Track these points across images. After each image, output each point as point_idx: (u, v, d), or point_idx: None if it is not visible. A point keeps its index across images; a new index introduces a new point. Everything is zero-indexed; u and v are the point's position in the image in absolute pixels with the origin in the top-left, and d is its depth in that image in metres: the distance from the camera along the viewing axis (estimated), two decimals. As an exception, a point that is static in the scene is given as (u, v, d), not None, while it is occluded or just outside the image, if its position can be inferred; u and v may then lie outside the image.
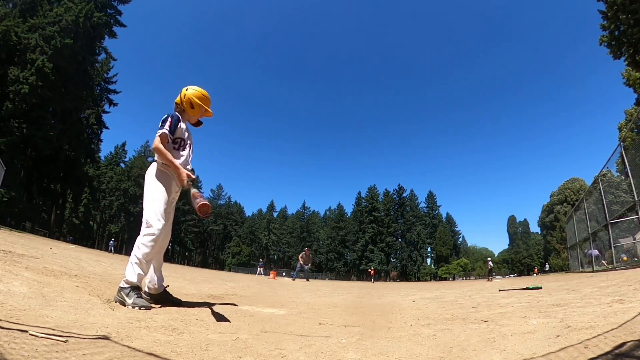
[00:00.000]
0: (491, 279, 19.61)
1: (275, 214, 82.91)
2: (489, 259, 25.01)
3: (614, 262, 10.70)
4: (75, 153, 32.21)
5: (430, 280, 60.05)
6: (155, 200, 2.40)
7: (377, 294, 6.61)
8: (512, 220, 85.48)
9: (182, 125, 2.61)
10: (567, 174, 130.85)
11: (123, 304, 2.15)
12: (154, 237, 2.30)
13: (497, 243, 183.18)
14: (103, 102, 38.36)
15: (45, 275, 2.61)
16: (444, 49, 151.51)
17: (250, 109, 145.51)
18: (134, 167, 59.10)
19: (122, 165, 61.13)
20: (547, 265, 52.96)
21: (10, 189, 22.67)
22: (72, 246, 14.66)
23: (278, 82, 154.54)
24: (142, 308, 2.11)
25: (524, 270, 69.96)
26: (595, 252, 12.80)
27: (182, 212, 61.45)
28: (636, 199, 8.53)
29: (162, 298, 2.53)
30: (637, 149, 10.19)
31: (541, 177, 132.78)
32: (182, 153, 2.61)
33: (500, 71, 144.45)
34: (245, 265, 64.54)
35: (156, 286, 2.52)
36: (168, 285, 2.72)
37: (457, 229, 79.26)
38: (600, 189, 11.31)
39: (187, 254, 70.88)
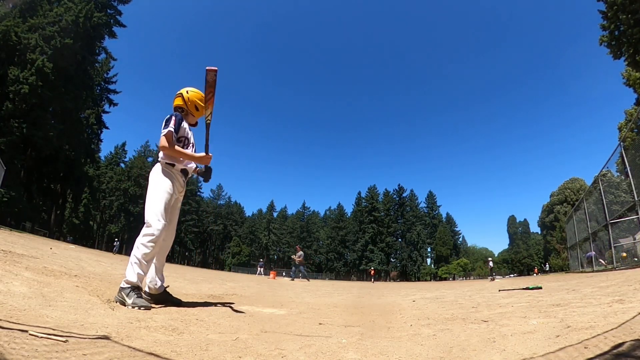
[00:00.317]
0: (492, 279, 19.64)
1: (275, 214, 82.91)
2: (489, 259, 25.08)
3: (614, 262, 10.70)
4: (75, 153, 32.21)
5: (430, 280, 60.04)
6: (156, 201, 2.41)
7: (377, 294, 6.61)
8: (512, 220, 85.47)
9: (185, 124, 2.65)
10: (567, 174, 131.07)
11: (123, 304, 2.15)
12: (153, 237, 2.31)
13: (497, 243, 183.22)
14: (103, 102, 38.37)
15: (45, 275, 2.61)
16: (444, 49, 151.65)
17: (250, 109, 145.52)
18: (134, 167, 59.09)
19: (122, 165, 61.11)
20: (547, 265, 52.95)
21: (10, 189, 22.66)
22: (72, 246, 14.66)
23: (278, 82, 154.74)
24: (142, 308, 2.11)
25: (524, 270, 69.95)
26: (593, 253, 12.83)
27: (182, 213, 61.34)
28: (636, 199, 8.53)
29: (163, 298, 2.54)
30: (637, 149, 10.19)
31: (541, 177, 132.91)
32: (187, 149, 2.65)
33: (500, 71, 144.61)
34: (245, 265, 64.54)
35: (157, 286, 2.53)
36: (168, 286, 2.72)
37: (457, 229, 79.33)
38: (600, 189, 11.31)
39: (187, 254, 70.87)
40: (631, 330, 1.40)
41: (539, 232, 72.74)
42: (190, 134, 2.72)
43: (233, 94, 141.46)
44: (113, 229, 56.52)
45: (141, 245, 2.29)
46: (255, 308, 3.00)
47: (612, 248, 10.89)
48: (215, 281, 7.12)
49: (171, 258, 64.91)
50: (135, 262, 2.26)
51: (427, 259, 71.82)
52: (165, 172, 2.52)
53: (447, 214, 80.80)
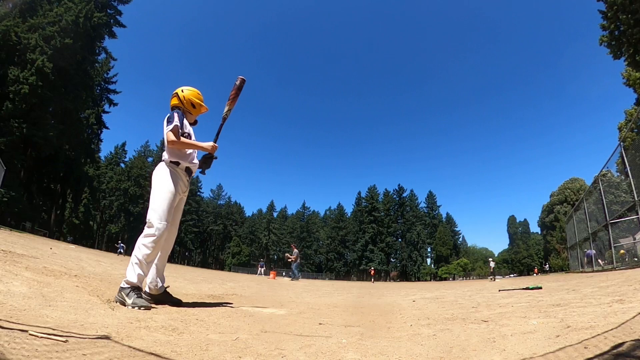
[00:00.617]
0: (493, 279, 19.62)
1: (275, 214, 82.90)
2: (490, 259, 25.18)
3: (614, 262, 10.71)
4: (75, 153, 32.23)
5: (430, 280, 60.04)
6: (160, 201, 2.41)
7: (377, 294, 6.61)
8: (512, 220, 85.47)
9: (185, 122, 2.67)
10: (567, 174, 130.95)
11: (123, 304, 2.15)
12: (154, 238, 2.31)
13: (497, 243, 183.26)
14: (103, 102, 38.39)
15: (45, 275, 2.61)
16: (444, 49, 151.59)
17: (250, 109, 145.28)
18: (134, 167, 59.07)
19: (122, 165, 61.07)
20: (547, 265, 52.94)
21: (10, 189, 22.67)
22: (72, 246, 14.66)
23: (278, 82, 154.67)
24: (142, 308, 2.11)
25: (524, 270, 69.96)
26: (593, 252, 12.83)
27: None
28: (636, 199, 8.53)
29: (163, 298, 2.54)
30: (637, 149, 10.20)
31: (541, 177, 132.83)
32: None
33: (500, 70, 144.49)
34: (245, 265, 64.54)
35: (157, 286, 2.53)
36: (168, 286, 2.72)
37: (457, 229, 79.32)
38: (600, 189, 11.31)
39: (187, 254, 70.87)
40: (631, 330, 1.40)
41: (539, 232, 72.77)
42: (191, 131, 2.74)
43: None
44: (113, 229, 56.51)
45: (142, 245, 2.29)
46: (255, 308, 3.00)
47: (612, 248, 10.89)
48: (215, 281, 7.12)
49: (171, 258, 64.71)
50: (135, 263, 2.26)
51: (427, 259, 71.83)
52: (170, 172, 2.51)
53: (447, 214, 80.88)
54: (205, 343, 1.45)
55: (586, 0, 25.57)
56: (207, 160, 2.67)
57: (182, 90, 2.72)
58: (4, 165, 16.37)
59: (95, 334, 1.34)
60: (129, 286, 2.21)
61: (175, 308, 2.40)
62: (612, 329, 1.44)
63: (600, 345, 1.23)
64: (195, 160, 2.72)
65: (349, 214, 76.81)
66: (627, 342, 1.22)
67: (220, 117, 2.76)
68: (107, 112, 39.21)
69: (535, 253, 72.73)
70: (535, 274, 37.57)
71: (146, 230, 2.33)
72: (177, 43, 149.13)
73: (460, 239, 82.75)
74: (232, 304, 3.11)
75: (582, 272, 13.03)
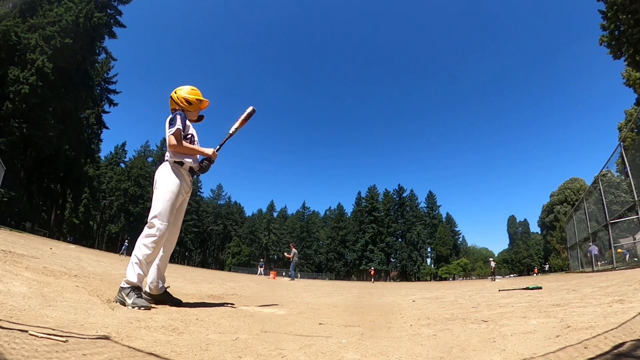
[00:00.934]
0: (493, 279, 19.59)
1: (275, 214, 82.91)
2: (491, 259, 25.19)
3: (614, 262, 10.70)
4: (75, 153, 32.22)
5: (430, 280, 60.04)
6: (163, 202, 2.40)
7: (377, 294, 6.61)
8: (512, 220, 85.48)
9: (188, 122, 2.67)
10: (567, 174, 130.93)
11: (123, 304, 2.15)
12: (155, 238, 2.30)
13: (497, 243, 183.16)
14: (103, 102, 38.39)
15: (45, 275, 2.61)
16: (443, 49, 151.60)
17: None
18: (134, 167, 59.07)
19: (122, 165, 61.09)
20: (547, 265, 52.94)
21: (10, 189, 22.66)
22: (72, 246, 14.67)
23: (278, 82, 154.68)
24: (142, 308, 2.11)
25: (524, 270, 69.96)
26: (596, 248, 12.76)
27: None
28: (636, 199, 8.53)
29: (163, 298, 2.54)
30: (637, 149, 10.20)
31: (541, 177, 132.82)
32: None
33: (500, 71, 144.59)
34: (245, 265, 64.54)
35: (158, 286, 2.53)
36: (169, 286, 2.72)
37: (457, 229, 79.36)
38: (600, 189, 11.31)
39: (187, 254, 70.87)
40: (631, 330, 1.40)
41: (539, 232, 72.76)
42: (194, 132, 2.73)
43: (233, 94, 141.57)
44: (113, 229, 56.50)
45: (143, 245, 2.29)
46: (255, 308, 3.00)
47: (612, 248, 10.89)
48: (215, 281, 7.12)
49: (171, 258, 63.29)
50: (136, 262, 2.26)
51: (427, 259, 71.83)
52: (174, 172, 2.50)
53: (447, 214, 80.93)
54: (205, 343, 1.45)
55: (586, 0, 25.57)
56: (205, 164, 2.68)
57: (174, 92, 2.71)
58: (4, 165, 16.37)
59: (95, 334, 1.34)
60: (129, 286, 2.21)
61: (175, 308, 2.40)
62: (612, 329, 1.44)
63: (600, 345, 1.23)
64: (196, 163, 2.71)
65: (349, 214, 76.82)
66: (627, 342, 1.22)
67: (227, 132, 2.83)
68: (107, 112, 39.25)
69: (535, 253, 72.73)
70: (535, 274, 37.59)
71: (147, 230, 2.33)
72: (177, 43, 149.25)
73: (460, 239, 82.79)
74: (232, 304, 3.11)
75: (582, 272, 13.02)
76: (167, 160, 2.55)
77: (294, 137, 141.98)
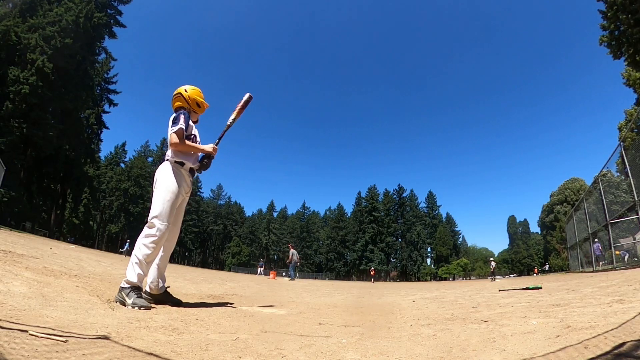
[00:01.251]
0: (493, 279, 19.54)
1: (275, 214, 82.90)
2: (491, 259, 25.18)
3: (614, 262, 10.71)
4: (75, 153, 32.20)
5: (430, 280, 60.04)
6: (163, 202, 2.40)
7: (377, 294, 6.61)
8: (512, 220, 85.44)
9: (191, 122, 2.69)
10: (567, 174, 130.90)
11: (123, 304, 2.15)
12: (154, 238, 2.31)
13: (497, 243, 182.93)
14: (103, 102, 38.38)
15: (45, 275, 2.61)
16: (443, 48, 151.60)
17: (250, 108, 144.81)
18: (134, 167, 59.07)
19: (122, 165, 61.10)
20: (547, 266, 52.93)
21: (10, 189, 22.66)
22: (72, 246, 14.67)
23: (278, 81, 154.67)
24: (142, 308, 2.11)
25: (524, 270, 69.96)
26: (599, 248, 12.65)
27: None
28: (636, 199, 8.53)
29: (163, 298, 2.54)
30: (637, 149, 10.20)
31: (541, 177, 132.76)
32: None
33: (500, 70, 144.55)
34: (245, 265, 64.54)
35: (158, 286, 2.53)
36: (169, 286, 2.72)
37: (457, 229, 79.31)
38: (600, 189, 11.31)
39: (187, 254, 70.87)
40: (631, 330, 1.40)
41: (539, 232, 72.75)
42: (196, 132, 2.74)
43: (233, 93, 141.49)
44: (113, 229, 56.50)
45: (143, 245, 2.29)
46: (255, 308, 3.00)
47: (612, 248, 10.89)
48: (215, 281, 7.12)
49: (171, 258, 63.16)
50: (136, 262, 2.26)
51: (427, 259, 71.82)
52: (174, 172, 2.51)
53: (447, 214, 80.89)
54: (205, 343, 1.44)
55: (586, 0, 25.59)
56: (205, 162, 2.68)
57: (185, 90, 2.70)
58: (4, 165, 16.37)
59: (95, 334, 1.34)
60: (129, 286, 2.21)
61: (175, 308, 2.40)
62: (612, 329, 1.44)
63: (600, 345, 1.23)
64: (198, 164, 2.72)
65: (349, 214, 76.81)
66: (627, 342, 1.22)
67: (225, 124, 2.80)
68: (107, 112, 39.22)
69: (535, 253, 72.72)
70: (535, 274, 37.59)
71: (147, 230, 2.33)
72: (178, 43, 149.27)
73: (460, 239, 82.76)
74: (232, 304, 3.11)
75: (582, 272, 13.02)
76: (167, 160, 2.54)
77: (294, 137, 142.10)
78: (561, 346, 1.29)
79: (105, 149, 76.05)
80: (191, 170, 2.64)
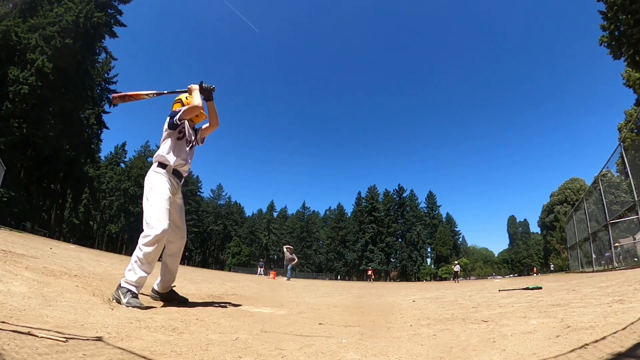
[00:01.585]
0: (457, 281, 23.67)
1: (275, 214, 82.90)
2: (456, 262, 29.01)
3: (614, 263, 10.70)
4: (75, 153, 32.20)
5: (430, 281, 60.03)
6: (153, 203, 2.43)
7: (377, 294, 6.61)
8: (512, 220, 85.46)
9: (186, 123, 2.75)
10: (567, 174, 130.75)
11: (119, 302, 2.19)
12: (151, 237, 2.31)
13: (497, 243, 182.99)
14: (103, 102, 38.36)
15: (45, 275, 2.61)
16: (444, 48, 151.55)
17: (250, 109, 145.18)
18: (134, 167, 59.07)
19: (122, 165, 61.11)
20: (551, 266, 52.74)
21: (10, 189, 22.66)
22: (72, 246, 14.66)
23: (278, 82, 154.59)
24: (135, 308, 2.13)
25: (524, 270, 69.97)
26: (608, 254, 12.34)
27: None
28: (636, 199, 8.53)
29: (169, 297, 2.62)
30: (637, 150, 10.20)
31: (541, 177, 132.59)
32: (184, 147, 2.71)
33: (500, 71, 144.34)
34: (245, 265, 64.52)
35: (164, 285, 2.63)
36: (175, 285, 2.76)
37: (457, 229, 79.27)
38: (600, 189, 11.31)
39: (187, 254, 70.79)
40: (631, 330, 1.40)
41: (539, 232, 72.73)
42: (190, 133, 2.77)
43: (233, 93, 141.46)
44: (113, 229, 56.51)
45: (142, 245, 2.31)
46: (255, 308, 3.00)
47: (612, 248, 10.89)
48: (215, 281, 7.12)
49: None
50: (135, 262, 2.29)
51: (427, 259, 71.82)
52: (156, 175, 2.57)
53: (447, 214, 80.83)
54: (205, 343, 1.45)
55: (586, 0, 25.59)
56: (205, 92, 2.76)
57: (185, 97, 2.81)
58: (4, 165, 16.36)
59: (95, 334, 1.34)
60: (126, 285, 2.24)
61: (175, 308, 2.41)
62: (612, 329, 1.44)
63: (600, 345, 1.23)
64: (186, 166, 2.74)
65: (349, 214, 76.80)
66: (627, 342, 1.22)
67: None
68: (107, 112, 39.19)
69: (535, 253, 72.74)
70: (534, 274, 37.62)
71: (146, 231, 2.36)
72: (178, 42, 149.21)
73: (460, 239, 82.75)
74: (232, 304, 3.11)
75: (582, 272, 13.02)
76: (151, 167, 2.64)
77: (294, 136, 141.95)
78: (561, 346, 1.29)
79: (105, 149, 76.04)
80: (175, 172, 2.66)
